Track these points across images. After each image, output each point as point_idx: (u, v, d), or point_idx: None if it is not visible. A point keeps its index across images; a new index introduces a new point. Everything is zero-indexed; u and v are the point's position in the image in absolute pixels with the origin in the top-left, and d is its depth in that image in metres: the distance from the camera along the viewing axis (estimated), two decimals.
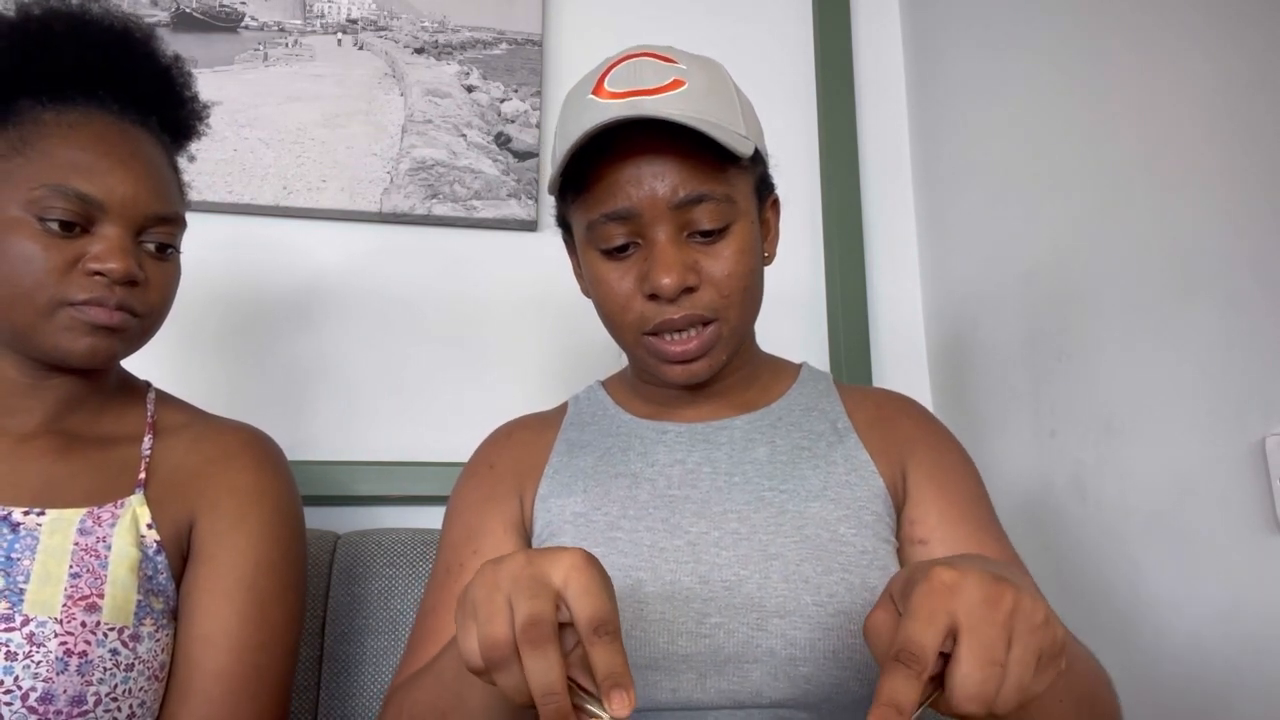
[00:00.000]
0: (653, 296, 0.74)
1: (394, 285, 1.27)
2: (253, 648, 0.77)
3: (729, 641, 0.69)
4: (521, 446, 0.87)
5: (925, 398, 1.37)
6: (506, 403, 1.25)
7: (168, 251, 0.79)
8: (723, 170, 0.74)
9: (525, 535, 0.83)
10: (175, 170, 0.83)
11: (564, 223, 0.84)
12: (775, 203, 0.85)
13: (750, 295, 0.77)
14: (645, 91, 0.72)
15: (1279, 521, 0.79)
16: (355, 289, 1.26)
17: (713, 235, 0.74)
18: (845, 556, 0.73)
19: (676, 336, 0.76)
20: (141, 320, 0.77)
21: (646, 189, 0.72)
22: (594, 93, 0.74)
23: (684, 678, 0.70)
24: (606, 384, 0.92)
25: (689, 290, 0.74)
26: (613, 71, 0.75)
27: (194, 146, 0.88)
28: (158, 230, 0.77)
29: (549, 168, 1.32)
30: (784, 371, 0.89)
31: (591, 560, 0.50)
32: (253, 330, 1.23)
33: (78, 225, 0.73)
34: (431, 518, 1.15)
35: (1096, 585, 1.00)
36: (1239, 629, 0.83)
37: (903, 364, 1.39)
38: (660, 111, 0.70)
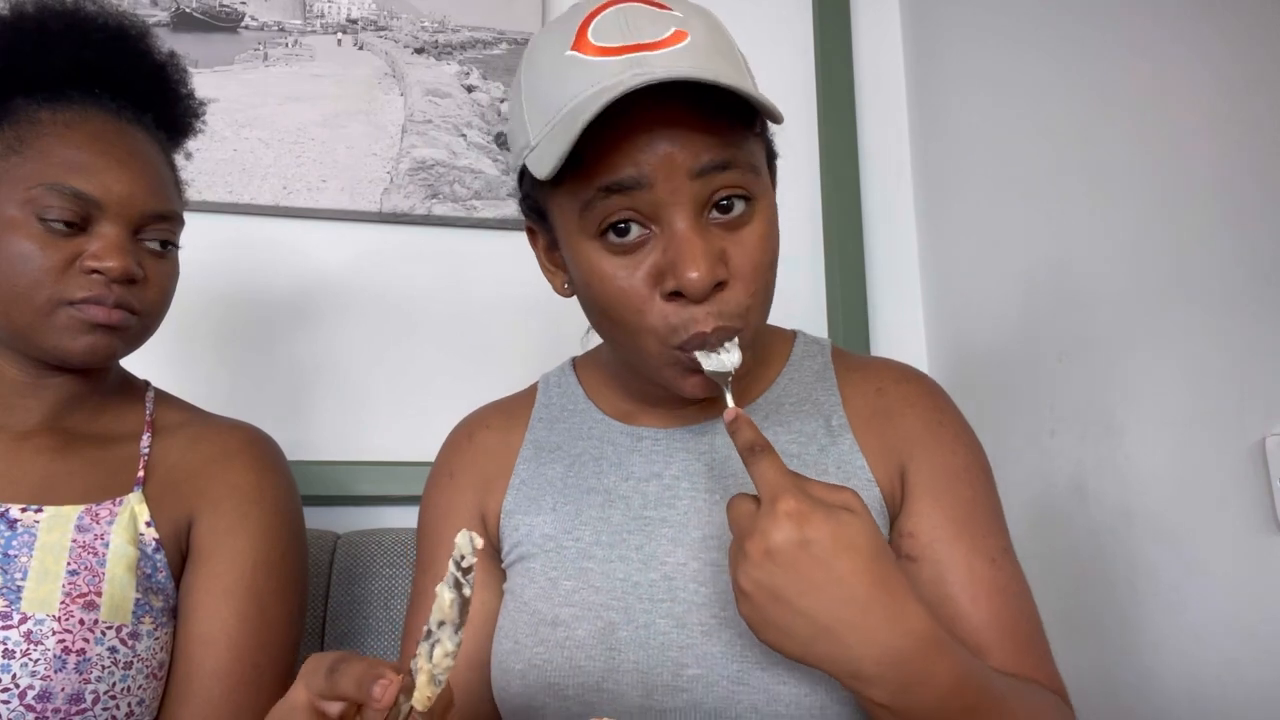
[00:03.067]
0: (674, 294, 0.61)
1: (394, 285, 1.27)
2: (253, 647, 0.77)
3: (708, 696, 0.63)
4: (484, 453, 0.79)
5: None
6: None
7: (166, 248, 0.79)
8: (744, 135, 0.62)
9: (490, 552, 0.76)
10: (172, 168, 0.83)
11: (536, 208, 0.69)
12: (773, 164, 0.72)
13: (771, 289, 0.66)
14: (645, 46, 0.59)
15: (1279, 521, 0.79)
16: (355, 289, 1.26)
17: (733, 212, 0.61)
18: None
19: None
20: (141, 318, 0.77)
21: (661, 153, 0.59)
22: (576, 48, 0.60)
23: None
24: (579, 366, 0.83)
25: (718, 285, 0.61)
26: (596, 20, 0.61)
27: (193, 146, 0.88)
28: (156, 228, 0.77)
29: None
30: (775, 348, 0.79)
31: (316, 657, 0.52)
32: (253, 330, 1.23)
33: (75, 224, 0.73)
34: None
35: (1096, 585, 1.00)
36: (1239, 629, 0.83)
37: None
38: (675, 71, 0.57)
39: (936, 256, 1.39)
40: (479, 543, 0.49)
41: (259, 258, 1.24)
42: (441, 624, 0.50)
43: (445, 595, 0.49)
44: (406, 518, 1.18)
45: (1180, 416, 0.90)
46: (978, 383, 1.26)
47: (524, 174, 0.65)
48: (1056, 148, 1.10)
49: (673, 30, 0.61)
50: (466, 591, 0.50)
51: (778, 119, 0.61)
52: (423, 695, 0.49)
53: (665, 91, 0.57)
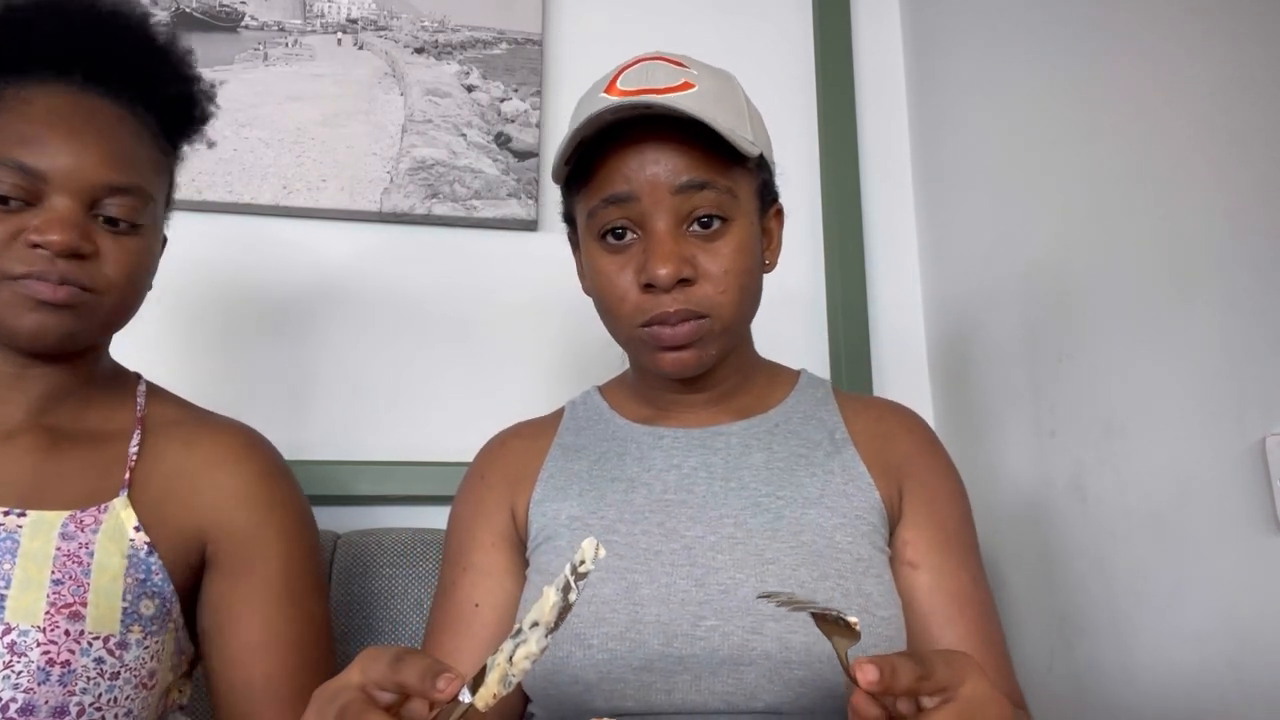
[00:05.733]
0: (648, 287, 0.74)
1: (394, 285, 1.27)
2: (306, 644, 0.80)
3: (725, 644, 0.69)
4: (515, 454, 0.87)
5: (925, 398, 1.37)
6: (506, 402, 1.25)
7: (121, 225, 0.74)
8: (726, 166, 0.75)
9: (516, 545, 0.83)
10: (156, 148, 0.79)
11: (569, 218, 0.84)
12: (779, 212, 0.85)
13: (745, 295, 0.77)
14: (654, 90, 0.74)
15: (1279, 521, 0.79)
16: (355, 289, 1.26)
17: (712, 228, 0.75)
18: (840, 563, 0.73)
19: (669, 328, 0.75)
20: (97, 296, 0.73)
21: (649, 173, 0.73)
22: (605, 91, 0.76)
23: (679, 679, 0.69)
24: (604, 389, 0.92)
25: (685, 283, 0.74)
26: (625, 72, 0.77)
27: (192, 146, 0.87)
28: (113, 202, 0.73)
29: (550, 167, 1.32)
30: (782, 378, 0.89)
31: (376, 647, 0.52)
32: (252, 330, 1.23)
33: (21, 199, 0.70)
34: (431, 517, 1.15)
35: (1096, 585, 1.00)
36: (1239, 629, 0.83)
37: (902, 364, 1.39)
38: (666, 104, 0.71)
39: (936, 256, 1.39)
40: (602, 552, 0.50)
41: (258, 257, 1.24)
42: (535, 625, 0.49)
43: (551, 596, 0.49)
44: (406, 518, 1.18)
45: (1180, 416, 0.90)
46: (978, 383, 1.26)
47: (563, 188, 0.82)
48: (1057, 148, 1.10)
49: (681, 81, 0.75)
50: (572, 597, 0.50)
51: (748, 153, 0.74)
52: (489, 693, 0.48)
53: (663, 127, 0.73)
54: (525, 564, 0.81)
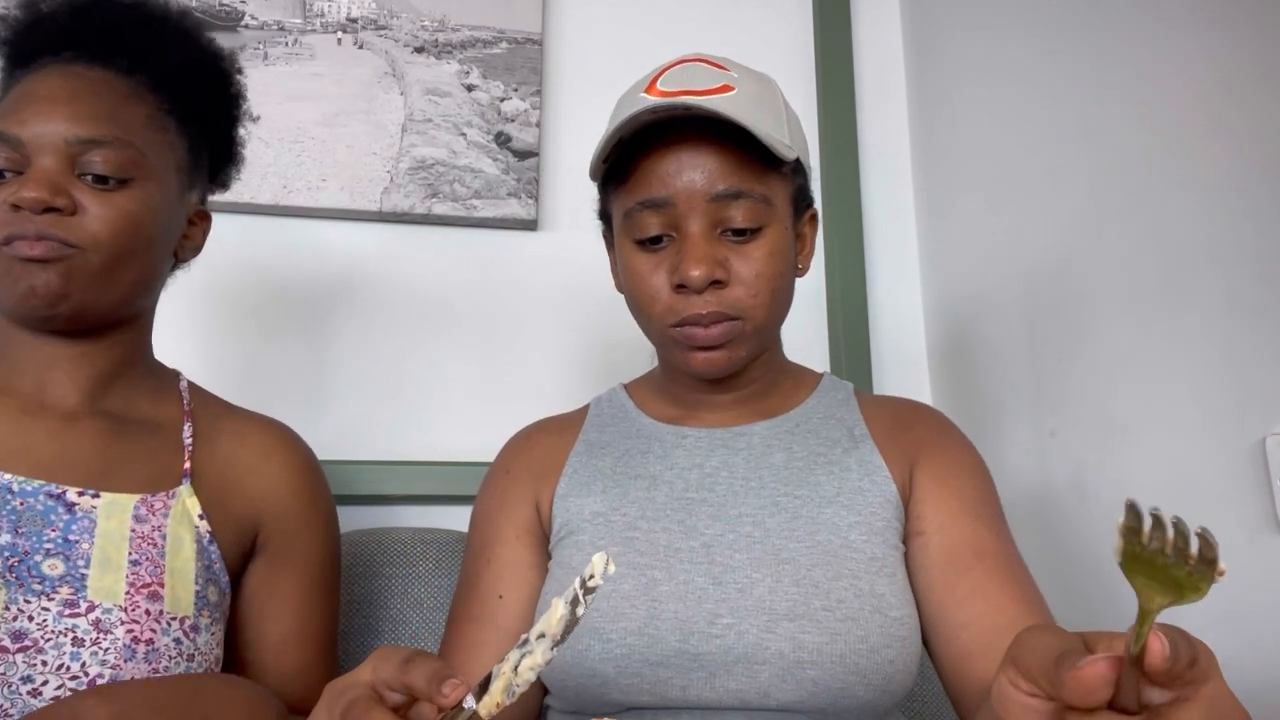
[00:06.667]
0: (680, 287, 0.75)
1: (393, 285, 1.27)
2: (332, 638, 0.86)
3: (739, 642, 0.70)
4: (540, 449, 0.88)
5: (925, 398, 1.37)
6: (505, 402, 1.25)
7: (111, 182, 0.73)
8: (762, 172, 0.76)
9: (540, 538, 0.83)
10: (155, 109, 0.78)
11: (605, 215, 0.85)
12: (814, 217, 0.86)
13: (776, 299, 0.79)
14: (694, 92, 0.74)
15: (1279, 521, 0.79)
16: (354, 289, 1.26)
17: (745, 235, 0.76)
18: (855, 563, 0.74)
19: (703, 329, 0.76)
20: (84, 252, 0.72)
21: (685, 179, 0.74)
22: (646, 91, 0.76)
23: (694, 676, 0.70)
24: (629, 387, 0.92)
25: (717, 284, 0.75)
26: (666, 73, 0.78)
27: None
28: (94, 157, 0.72)
29: (550, 167, 1.33)
30: (805, 380, 0.90)
31: (389, 647, 0.52)
32: (250, 330, 1.23)
33: (12, 169, 0.72)
34: (431, 517, 1.15)
35: (1096, 585, 1.00)
36: (1239, 629, 0.83)
37: (903, 363, 1.39)
38: (704, 107, 0.72)
39: (936, 256, 1.39)
40: (612, 568, 0.49)
41: (258, 257, 1.24)
42: (541, 636, 0.49)
43: (559, 609, 0.49)
44: (405, 517, 1.18)
45: (1180, 416, 0.90)
46: (978, 382, 1.26)
47: (599, 186, 0.83)
48: (1057, 147, 1.10)
49: (721, 84, 0.75)
50: (580, 611, 0.49)
51: (784, 157, 0.74)
52: (493, 702, 0.48)
53: (701, 129, 0.74)
54: (548, 557, 0.82)
